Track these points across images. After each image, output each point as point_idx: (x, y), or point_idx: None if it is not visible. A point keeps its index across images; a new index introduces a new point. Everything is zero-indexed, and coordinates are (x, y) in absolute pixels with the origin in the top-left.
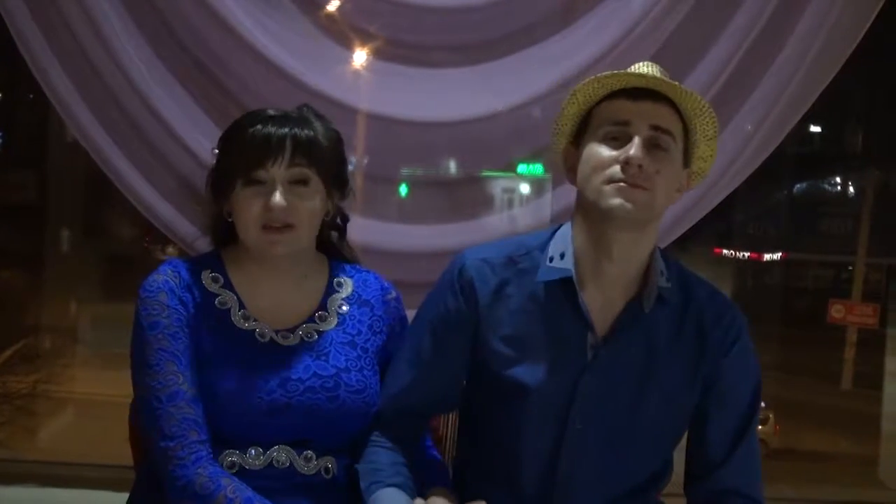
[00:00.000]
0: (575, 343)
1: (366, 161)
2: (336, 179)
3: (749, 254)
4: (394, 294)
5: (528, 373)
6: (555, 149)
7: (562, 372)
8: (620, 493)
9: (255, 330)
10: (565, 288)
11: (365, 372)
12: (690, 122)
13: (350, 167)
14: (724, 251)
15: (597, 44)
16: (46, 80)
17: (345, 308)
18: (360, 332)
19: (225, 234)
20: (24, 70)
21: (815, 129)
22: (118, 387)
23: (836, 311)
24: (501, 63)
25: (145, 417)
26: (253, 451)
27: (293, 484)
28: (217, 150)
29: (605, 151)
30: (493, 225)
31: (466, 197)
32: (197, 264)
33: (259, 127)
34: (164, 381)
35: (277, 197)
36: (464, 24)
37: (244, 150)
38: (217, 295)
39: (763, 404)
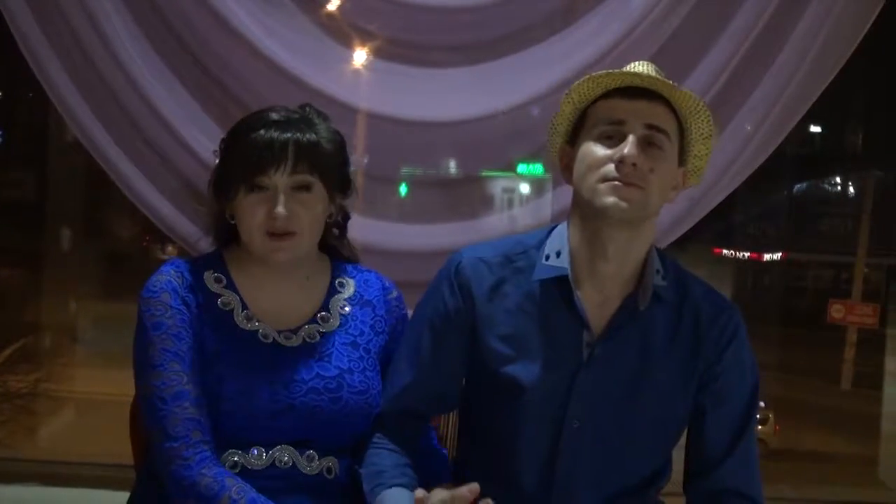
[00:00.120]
0: (571, 341)
1: (365, 160)
2: (339, 182)
3: (749, 254)
4: (395, 293)
5: (525, 371)
6: (551, 148)
7: (558, 370)
8: (619, 492)
9: (257, 331)
10: (561, 286)
11: (367, 373)
12: (686, 121)
13: (350, 167)
14: (724, 251)
15: (597, 44)
16: (47, 78)
17: (347, 309)
18: (362, 333)
19: (227, 234)
20: (24, 69)
21: (815, 129)
22: (118, 386)
23: (836, 311)
24: (502, 63)
25: (149, 418)
26: (255, 451)
27: (295, 484)
28: (218, 152)
29: (600, 150)
30: (493, 225)
31: (466, 197)
32: (199, 264)
33: (262, 132)
34: (168, 381)
35: (280, 207)
36: (464, 23)
37: (246, 155)
38: (220, 295)
39: (763, 404)
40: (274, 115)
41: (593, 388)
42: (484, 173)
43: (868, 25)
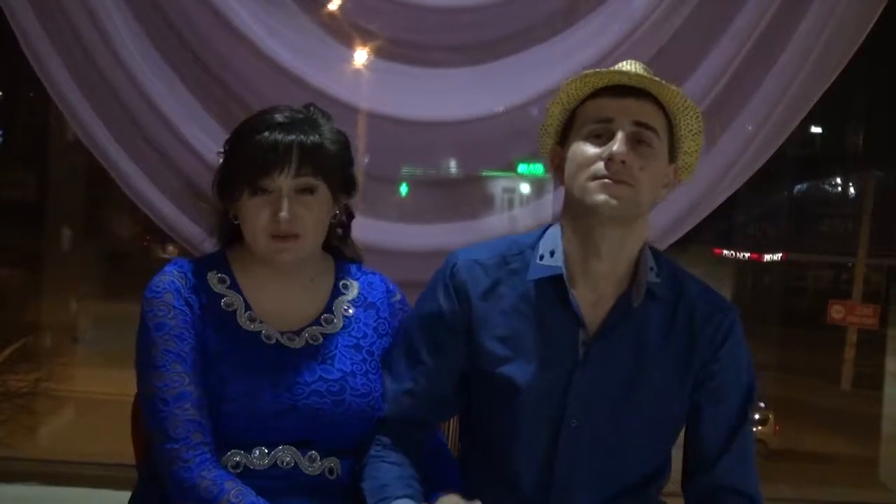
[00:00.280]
0: (567, 341)
1: (366, 160)
2: (343, 183)
3: (749, 254)
4: (399, 296)
5: (522, 372)
6: (541, 149)
7: (555, 370)
8: (619, 492)
9: (260, 332)
10: (556, 286)
11: (370, 375)
12: (674, 118)
13: (354, 167)
14: (725, 251)
15: (598, 44)
16: (48, 76)
17: (350, 311)
18: (365, 336)
19: (230, 234)
20: (24, 67)
21: (815, 129)
22: (119, 385)
23: (836, 311)
24: (503, 63)
25: (150, 418)
26: (257, 452)
27: (297, 484)
28: (222, 153)
29: (590, 149)
30: (494, 225)
31: (467, 196)
32: (203, 265)
33: (266, 134)
34: (170, 382)
35: (284, 210)
36: (465, 23)
37: (250, 158)
38: (223, 296)
39: (763, 405)
40: (278, 117)
41: (590, 387)
42: (484, 173)
43: (870, 25)
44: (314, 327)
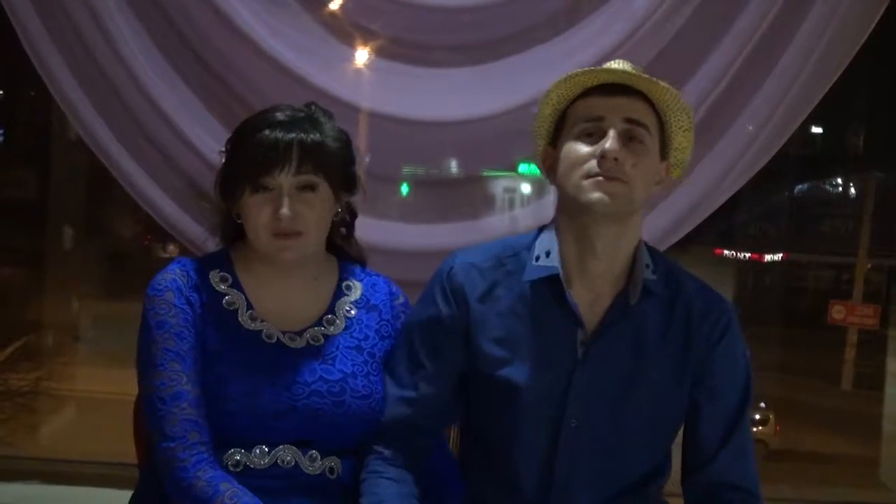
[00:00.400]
0: (565, 341)
1: (367, 160)
2: (344, 181)
3: (750, 254)
4: (402, 299)
5: (521, 373)
6: (533, 151)
7: (554, 370)
8: (619, 491)
9: (262, 331)
10: (553, 286)
11: (371, 377)
12: (664, 115)
13: (356, 165)
14: (725, 251)
15: (600, 44)
16: (49, 74)
17: (353, 312)
18: (367, 337)
19: (233, 233)
20: (26, 66)
21: (816, 130)
22: (119, 384)
23: (837, 311)
24: (504, 63)
25: (149, 417)
26: (258, 451)
27: (298, 484)
28: (224, 152)
29: (582, 148)
30: (495, 225)
31: (468, 196)
32: (205, 263)
33: (266, 132)
34: (168, 381)
35: (285, 208)
36: (467, 24)
37: (251, 156)
38: (225, 294)
39: (763, 405)
40: (279, 115)
41: (589, 386)
42: (485, 173)
43: (872, 26)
44: (316, 328)
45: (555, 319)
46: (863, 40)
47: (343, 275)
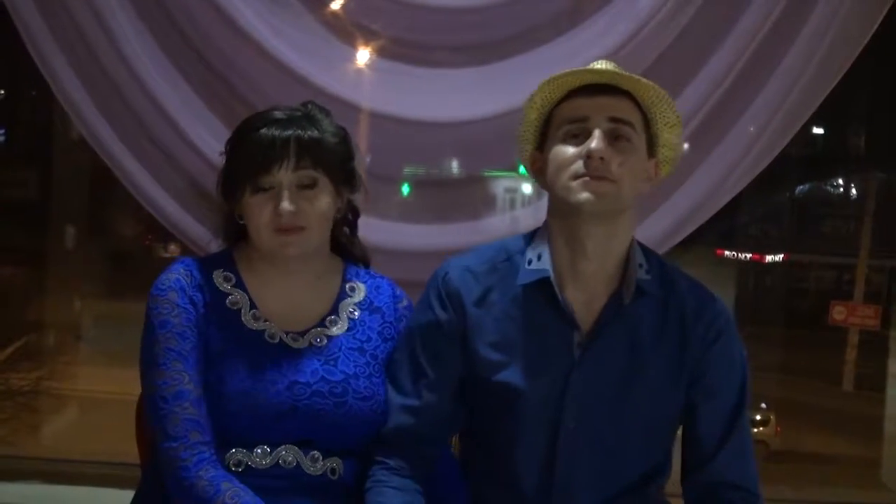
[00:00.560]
0: (561, 343)
1: (368, 160)
2: (344, 177)
3: (751, 255)
4: (405, 302)
5: (518, 377)
6: (520, 155)
7: (551, 373)
8: (619, 491)
9: (264, 331)
10: (546, 289)
11: (373, 379)
12: (650, 112)
13: (355, 161)
14: (726, 252)
15: (603, 45)
16: (53, 75)
17: (356, 313)
18: (369, 339)
19: (236, 234)
20: (27, 66)
21: (817, 130)
22: (120, 384)
23: (838, 312)
24: (506, 64)
25: (151, 416)
26: (259, 451)
27: (299, 484)
28: (223, 154)
29: (569, 149)
30: (496, 225)
31: (469, 197)
32: (209, 263)
33: (263, 131)
34: (170, 380)
35: (286, 203)
36: (469, 24)
37: (249, 155)
38: (228, 294)
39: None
40: (275, 114)
41: (586, 388)
42: (487, 173)
43: (875, 27)
44: (318, 328)
45: (550, 322)
46: (865, 41)
47: (347, 276)
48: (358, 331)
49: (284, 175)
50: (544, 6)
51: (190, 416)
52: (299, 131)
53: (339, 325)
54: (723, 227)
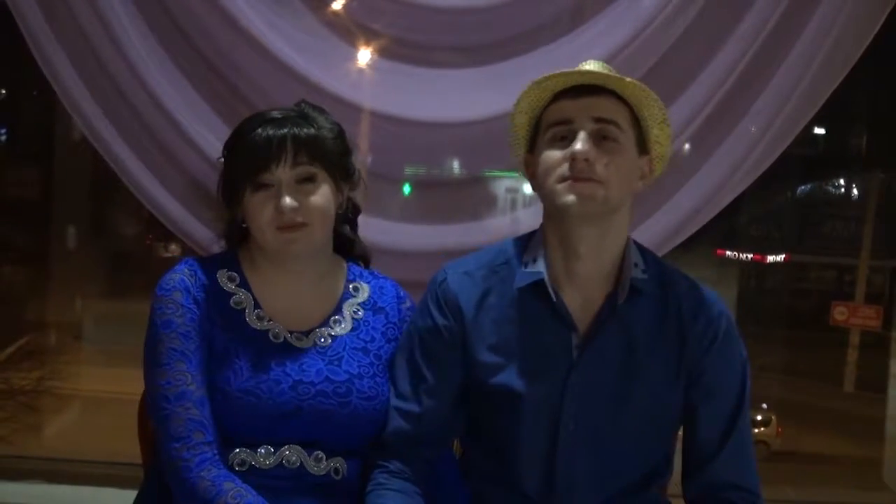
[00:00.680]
0: (560, 345)
1: (369, 160)
2: (342, 171)
3: (752, 255)
4: (409, 303)
5: (517, 379)
6: (515, 160)
7: (550, 375)
8: (620, 491)
9: (269, 331)
10: (543, 291)
11: (377, 379)
12: (638, 110)
13: (353, 157)
14: (727, 252)
15: (605, 46)
16: (55, 76)
17: (360, 313)
18: (373, 339)
19: (239, 236)
20: (29, 66)
21: (819, 131)
22: (122, 383)
23: (839, 313)
24: (507, 65)
25: (154, 416)
26: (263, 451)
27: (303, 484)
28: (222, 159)
29: (555, 152)
30: (497, 225)
31: (470, 197)
32: (213, 263)
33: (259, 131)
34: (174, 380)
35: (287, 199)
36: (471, 24)
37: (247, 156)
38: (233, 294)
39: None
40: (271, 114)
41: (584, 388)
42: (488, 174)
43: (877, 27)
44: (322, 328)
45: (548, 324)
46: (868, 42)
47: (350, 276)
48: (362, 331)
49: (283, 172)
50: (546, 7)
51: (193, 416)
52: (295, 129)
53: (343, 325)
54: (724, 227)
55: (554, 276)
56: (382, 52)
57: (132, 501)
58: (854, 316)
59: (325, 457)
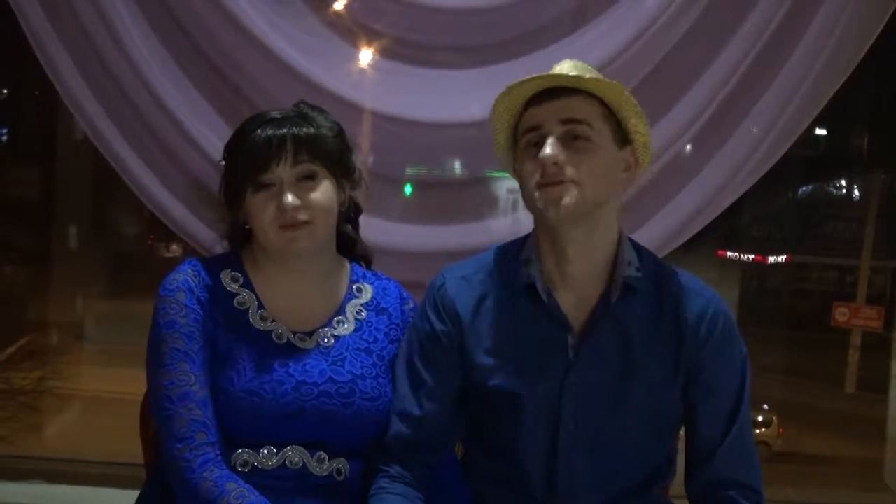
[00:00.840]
0: (556, 346)
1: (371, 160)
2: (343, 170)
3: (753, 256)
4: (412, 305)
5: (516, 381)
6: (506, 170)
7: (547, 375)
8: (622, 491)
9: (272, 331)
10: (537, 293)
11: (380, 379)
12: (611, 103)
13: (353, 155)
14: (729, 253)
15: (607, 47)
16: (58, 76)
17: (363, 314)
18: (376, 340)
19: (242, 237)
20: (30, 66)
21: (820, 132)
22: (123, 383)
23: (841, 313)
24: (509, 66)
25: (157, 417)
26: (266, 451)
27: (306, 485)
28: (223, 161)
29: (529, 160)
30: (498, 226)
31: (472, 197)
32: (217, 263)
33: (258, 132)
34: (176, 381)
35: (288, 197)
36: (472, 25)
37: (247, 156)
38: (236, 294)
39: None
40: (270, 115)
41: (582, 388)
42: (489, 174)
43: (880, 28)
44: (326, 328)
45: (544, 326)
46: (870, 43)
47: (353, 277)
48: (365, 331)
49: (284, 171)
50: (548, 8)
51: (195, 417)
52: (294, 128)
53: (347, 326)
54: (725, 227)
55: (548, 277)
56: (384, 53)
57: (133, 502)
58: (855, 317)
59: (327, 457)
